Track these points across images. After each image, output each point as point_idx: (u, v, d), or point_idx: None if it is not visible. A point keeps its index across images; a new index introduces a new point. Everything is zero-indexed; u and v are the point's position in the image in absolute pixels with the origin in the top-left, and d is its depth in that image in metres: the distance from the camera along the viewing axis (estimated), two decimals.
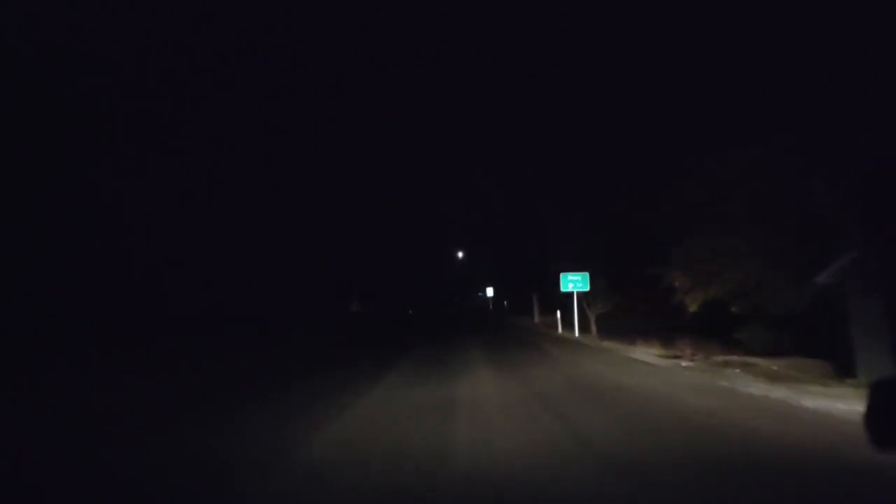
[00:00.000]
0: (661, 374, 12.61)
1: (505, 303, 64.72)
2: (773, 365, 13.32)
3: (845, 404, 8.07)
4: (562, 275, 26.02)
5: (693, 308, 19.39)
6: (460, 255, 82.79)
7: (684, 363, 14.39)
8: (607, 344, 20.95)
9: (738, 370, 12.64)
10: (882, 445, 2.45)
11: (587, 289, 25.72)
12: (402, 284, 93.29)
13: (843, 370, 12.50)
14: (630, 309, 25.52)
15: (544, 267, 33.76)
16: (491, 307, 71.92)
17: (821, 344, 14.56)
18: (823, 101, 14.02)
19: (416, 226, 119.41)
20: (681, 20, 22.01)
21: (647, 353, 16.78)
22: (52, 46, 19.15)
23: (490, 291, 72.81)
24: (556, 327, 29.47)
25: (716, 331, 18.93)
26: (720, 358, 14.90)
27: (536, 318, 42.64)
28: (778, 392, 9.52)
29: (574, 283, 25.81)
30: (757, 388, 10.01)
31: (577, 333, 25.85)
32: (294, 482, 5.30)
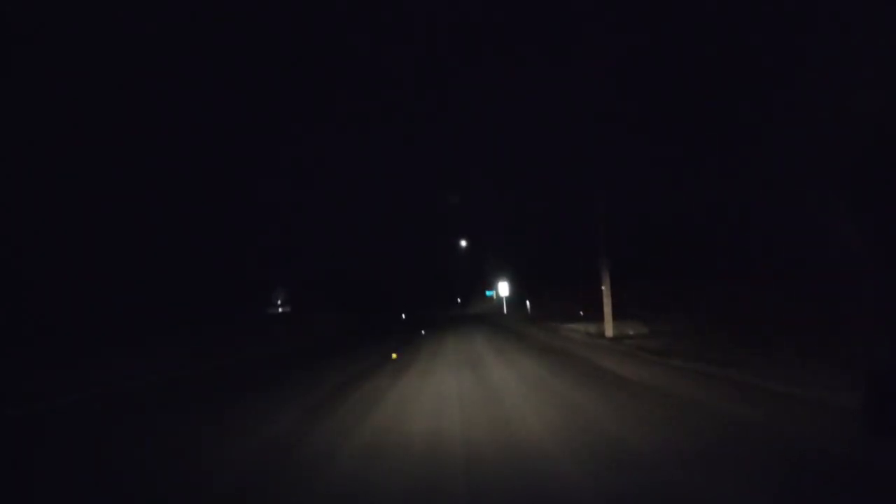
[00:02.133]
0: None
1: (527, 303, 45.49)
2: None
3: None
4: None
5: None
6: (463, 243, 64.58)
7: None
8: None
9: None
10: (877, 434, 2.70)
11: None
12: (398, 282, 78.99)
13: None
14: None
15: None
16: (506, 310, 52.60)
17: None
18: None
19: (412, 214, 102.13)
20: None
21: None
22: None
23: (504, 288, 53.54)
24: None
25: None
26: None
27: (610, 330, 23.08)
28: None
29: None
30: None
31: None
32: None
